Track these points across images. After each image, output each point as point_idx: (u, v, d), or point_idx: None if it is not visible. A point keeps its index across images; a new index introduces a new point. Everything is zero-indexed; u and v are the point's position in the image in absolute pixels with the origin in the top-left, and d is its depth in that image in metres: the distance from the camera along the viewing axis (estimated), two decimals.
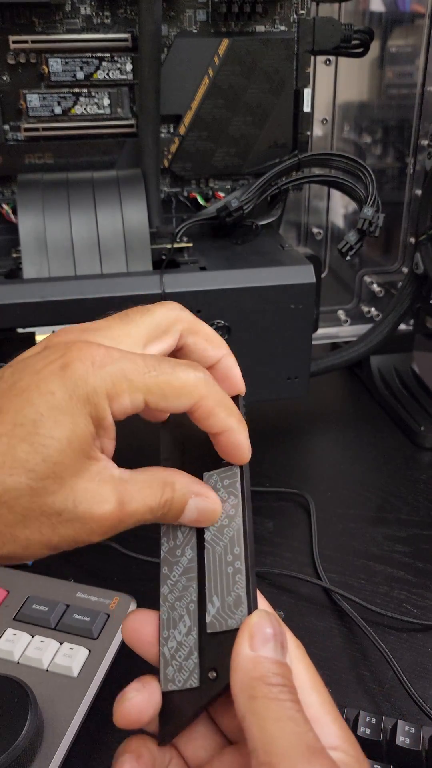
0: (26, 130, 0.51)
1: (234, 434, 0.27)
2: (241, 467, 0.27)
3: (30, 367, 0.24)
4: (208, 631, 0.25)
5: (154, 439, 0.30)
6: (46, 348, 0.26)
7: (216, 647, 0.25)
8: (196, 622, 0.26)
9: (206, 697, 0.25)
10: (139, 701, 0.25)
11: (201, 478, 0.28)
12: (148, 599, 0.42)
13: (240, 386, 0.29)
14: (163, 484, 0.26)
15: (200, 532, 0.27)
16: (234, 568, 0.25)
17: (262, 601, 0.26)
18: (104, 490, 0.24)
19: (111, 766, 0.25)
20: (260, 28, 0.51)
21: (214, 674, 0.25)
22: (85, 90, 0.51)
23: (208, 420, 0.26)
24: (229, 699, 0.24)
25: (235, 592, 0.25)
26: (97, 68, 0.50)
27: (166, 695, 0.26)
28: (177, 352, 0.28)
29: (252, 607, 0.25)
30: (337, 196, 0.66)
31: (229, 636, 0.24)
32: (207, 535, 0.27)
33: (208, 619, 0.25)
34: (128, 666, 0.39)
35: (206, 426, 0.26)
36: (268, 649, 0.23)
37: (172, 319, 0.28)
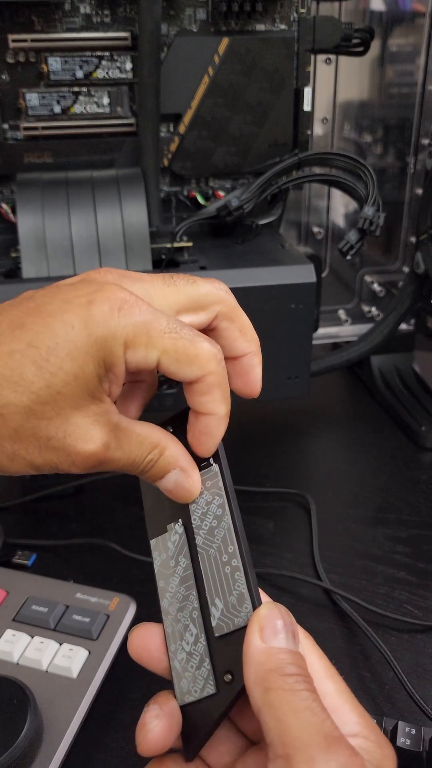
0: (25, 129, 0.51)
1: (215, 421, 0.27)
2: (220, 465, 0.27)
3: (61, 294, 0.25)
4: (216, 634, 0.25)
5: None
6: (83, 281, 0.26)
7: (227, 649, 0.25)
8: (203, 628, 0.25)
9: (226, 701, 0.24)
10: (161, 729, 0.25)
11: None
12: (148, 600, 0.42)
13: (256, 388, 0.29)
14: (152, 446, 0.26)
15: (191, 539, 0.27)
16: (231, 566, 0.25)
17: (263, 598, 0.26)
18: (95, 430, 0.25)
19: None
20: (260, 27, 0.51)
21: (230, 677, 0.24)
22: (84, 89, 0.51)
23: (203, 397, 0.26)
24: (247, 699, 0.24)
25: (237, 590, 0.25)
26: (97, 67, 0.50)
27: (184, 708, 0.25)
28: (207, 332, 0.28)
29: (256, 601, 0.24)
30: (337, 195, 0.66)
31: (239, 635, 0.24)
32: (198, 540, 0.27)
33: (214, 622, 0.25)
34: (128, 667, 0.39)
35: (196, 402, 0.27)
36: (279, 640, 0.23)
37: (214, 298, 0.27)
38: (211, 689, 0.25)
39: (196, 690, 0.25)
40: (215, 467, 0.27)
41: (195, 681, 0.25)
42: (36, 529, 0.50)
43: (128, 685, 0.39)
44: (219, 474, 0.27)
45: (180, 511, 0.28)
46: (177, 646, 0.26)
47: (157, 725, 0.25)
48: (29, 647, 0.38)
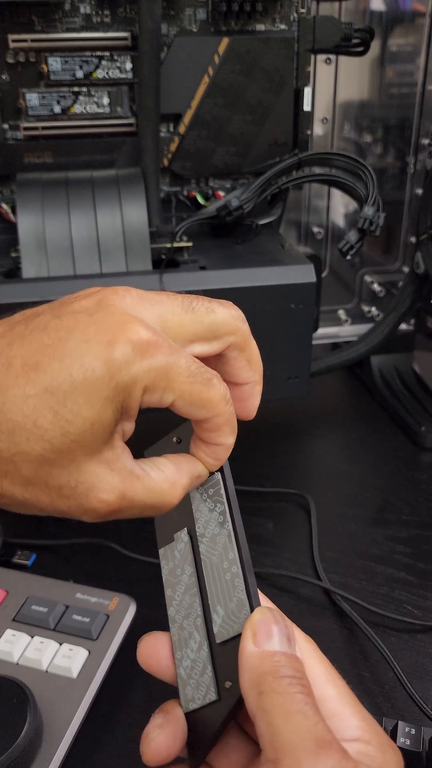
0: (25, 129, 0.51)
1: (222, 450, 0.27)
2: (222, 473, 0.27)
3: (79, 327, 0.23)
4: (217, 641, 0.25)
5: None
6: (100, 306, 0.24)
7: (227, 655, 0.25)
8: (205, 635, 0.26)
9: (226, 708, 0.24)
10: (165, 738, 0.24)
11: (188, 495, 0.28)
12: (148, 600, 0.42)
13: (252, 413, 0.29)
14: (173, 486, 0.26)
15: (196, 547, 0.27)
16: (231, 573, 0.25)
17: (265, 601, 0.26)
18: (111, 478, 0.24)
19: None
20: (260, 27, 0.51)
21: (230, 683, 0.24)
22: (84, 89, 0.51)
23: (211, 433, 0.26)
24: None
25: (236, 596, 0.25)
26: (97, 67, 0.50)
27: (189, 716, 0.25)
28: (215, 358, 0.28)
29: (254, 607, 0.25)
30: (337, 195, 0.66)
31: (237, 641, 0.24)
32: (202, 548, 0.27)
33: (215, 629, 0.25)
34: (128, 667, 0.39)
35: (205, 435, 0.26)
36: (273, 643, 0.23)
37: (230, 329, 0.27)
38: (213, 696, 0.25)
39: (200, 697, 0.25)
40: (217, 475, 0.28)
41: (198, 688, 0.25)
42: (36, 529, 0.50)
43: (128, 685, 0.39)
44: (221, 482, 0.27)
45: (185, 519, 0.28)
46: (182, 654, 0.26)
47: (161, 734, 0.24)
48: (29, 647, 0.38)
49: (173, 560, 0.28)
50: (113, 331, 0.23)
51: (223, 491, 0.27)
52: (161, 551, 0.28)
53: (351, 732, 0.22)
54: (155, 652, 0.27)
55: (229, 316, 0.26)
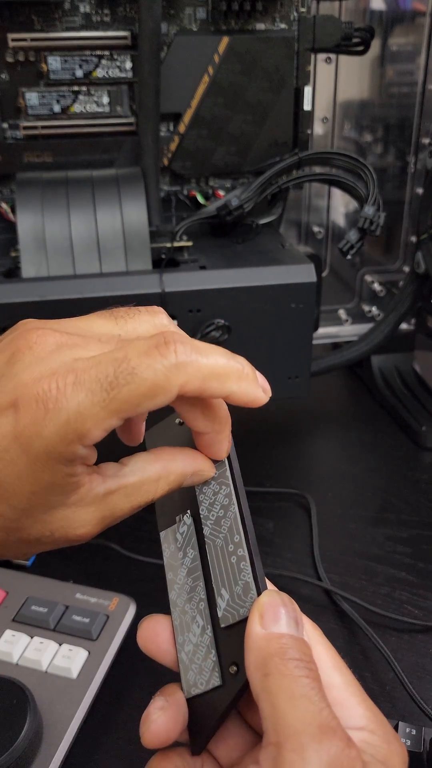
0: (25, 128, 0.51)
1: (217, 437, 0.26)
2: (228, 456, 0.27)
3: None
4: (222, 625, 0.25)
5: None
6: (6, 365, 0.23)
7: (232, 640, 0.24)
8: (209, 619, 0.25)
9: (231, 693, 0.24)
10: (166, 720, 0.24)
11: None
12: (148, 600, 0.42)
13: (220, 456, 0.27)
14: (156, 481, 0.25)
15: (199, 530, 0.27)
16: (237, 556, 0.25)
17: (270, 587, 0.25)
18: (83, 514, 0.23)
19: None
20: (260, 26, 0.51)
21: (235, 668, 0.24)
22: (84, 88, 0.51)
23: (196, 419, 0.25)
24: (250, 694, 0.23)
25: (243, 579, 0.25)
26: (97, 66, 0.50)
27: (191, 701, 0.25)
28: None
29: (261, 590, 0.24)
30: (337, 194, 0.66)
31: (243, 625, 0.24)
32: (206, 531, 0.26)
33: (220, 613, 0.25)
34: (128, 667, 0.39)
35: (192, 424, 0.25)
36: (281, 626, 0.22)
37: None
38: (216, 681, 0.24)
39: (203, 682, 0.25)
40: (223, 459, 0.27)
41: (201, 673, 0.25)
42: None
43: (128, 685, 0.39)
44: (227, 463, 0.27)
45: (188, 502, 0.27)
46: (184, 638, 0.26)
47: (161, 716, 0.24)
48: (29, 648, 0.38)
49: (175, 543, 0.28)
50: (12, 392, 0.22)
51: (228, 473, 0.27)
52: (162, 534, 0.28)
53: (356, 721, 0.22)
54: (155, 636, 0.26)
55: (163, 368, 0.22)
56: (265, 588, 0.24)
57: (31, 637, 0.38)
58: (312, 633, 0.24)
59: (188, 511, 0.27)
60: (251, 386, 0.25)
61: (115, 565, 0.47)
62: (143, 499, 0.25)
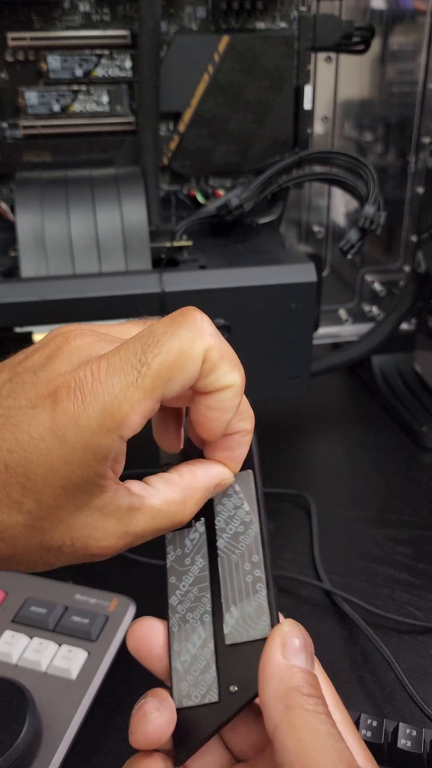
0: (24, 127, 0.51)
1: (239, 441, 0.25)
2: (254, 471, 0.27)
3: (24, 390, 0.22)
4: (227, 642, 0.24)
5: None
6: (48, 361, 0.23)
7: (237, 659, 0.24)
8: (212, 633, 0.25)
9: (229, 712, 0.24)
10: (161, 722, 0.24)
11: None
12: (147, 601, 0.41)
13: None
14: (183, 502, 0.24)
15: (211, 540, 0.26)
16: (253, 576, 0.25)
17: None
18: (106, 524, 0.23)
19: None
20: (260, 25, 0.51)
21: (236, 688, 0.24)
22: (83, 87, 0.51)
23: (206, 378, 0.23)
24: (243, 715, 0.23)
25: (256, 601, 0.24)
26: (96, 65, 0.50)
27: (180, 712, 0.24)
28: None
29: (275, 616, 0.24)
30: (338, 194, 0.65)
31: (252, 647, 0.23)
32: (220, 543, 0.26)
33: (226, 630, 0.24)
34: (127, 668, 0.38)
35: (202, 386, 0.23)
36: (300, 659, 0.22)
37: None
38: (213, 697, 0.24)
39: (197, 695, 0.24)
40: (249, 472, 0.27)
41: (197, 686, 0.24)
42: None
43: (127, 686, 0.38)
44: (252, 480, 0.27)
45: (204, 509, 0.27)
46: (182, 647, 0.25)
47: (158, 717, 0.24)
48: (28, 648, 0.38)
49: (183, 548, 0.27)
50: (52, 382, 0.22)
51: (254, 491, 0.26)
52: (169, 536, 0.27)
53: (358, 761, 0.22)
54: (149, 639, 0.26)
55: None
56: (278, 614, 0.24)
57: (31, 638, 0.38)
58: (316, 668, 0.24)
59: (202, 518, 0.27)
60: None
61: (115, 566, 0.47)
62: (171, 522, 0.24)
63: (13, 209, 0.51)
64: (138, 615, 0.40)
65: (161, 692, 0.25)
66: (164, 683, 0.26)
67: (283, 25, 0.51)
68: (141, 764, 0.24)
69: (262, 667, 0.22)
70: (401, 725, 0.33)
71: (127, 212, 0.48)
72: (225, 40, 0.49)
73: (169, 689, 0.25)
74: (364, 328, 0.67)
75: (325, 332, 0.69)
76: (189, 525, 0.27)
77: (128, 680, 0.39)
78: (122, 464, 0.24)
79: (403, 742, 0.32)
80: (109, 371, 0.21)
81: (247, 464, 0.27)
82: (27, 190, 0.48)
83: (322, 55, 0.60)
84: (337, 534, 0.50)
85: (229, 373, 0.24)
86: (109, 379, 0.21)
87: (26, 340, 0.44)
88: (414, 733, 0.33)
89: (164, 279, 0.45)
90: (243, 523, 0.26)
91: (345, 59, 0.61)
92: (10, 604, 0.41)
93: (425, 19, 0.59)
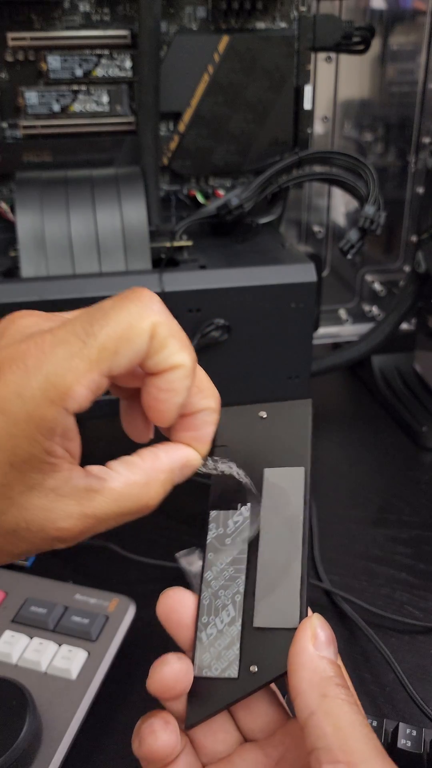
0: (24, 127, 0.51)
1: (204, 418, 0.25)
2: (306, 469, 0.27)
3: None
4: (255, 625, 0.25)
5: None
6: None
7: (261, 642, 0.25)
8: (241, 614, 0.26)
9: (245, 690, 0.25)
10: (179, 669, 0.25)
11: (261, 475, 0.28)
12: (148, 601, 0.41)
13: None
14: (146, 485, 0.24)
15: (254, 526, 0.27)
16: (290, 567, 0.26)
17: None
18: (63, 505, 0.22)
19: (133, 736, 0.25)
20: (260, 25, 0.51)
21: (256, 668, 0.25)
22: (83, 87, 0.51)
23: (154, 357, 0.23)
24: (256, 696, 0.25)
25: (290, 591, 0.25)
26: (96, 65, 0.50)
27: (197, 680, 0.26)
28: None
29: (304, 609, 0.25)
30: (338, 194, 0.65)
31: (278, 634, 0.25)
32: (264, 530, 0.27)
33: (255, 613, 0.25)
34: (127, 668, 0.38)
35: (152, 366, 0.23)
36: (330, 652, 0.23)
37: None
38: (233, 673, 0.25)
39: (218, 668, 0.25)
40: (302, 469, 0.27)
41: (219, 659, 0.25)
42: None
43: (127, 686, 0.38)
44: (303, 477, 0.27)
45: (251, 495, 0.28)
46: (209, 620, 0.26)
47: (176, 663, 0.25)
48: (28, 648, 0.38)
49: (225, 528, 0.28)
50: None
51: (302, 486, 0.27)
52: (213, 513, 0.28)
53: None
54: (180, 607, 0.26)
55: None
56: (307, 610, 0.25)
57: (31, 638, 0.38)
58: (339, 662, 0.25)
59: (248, 504, 0.28)
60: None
61: (115, 566, 0.47)
62: (135, 505, 0.24)
63: (13, 209, 0.51)
64: (138, 615, 0.40)
65: (179, 654, 0.26)
66: (184, 654, 0.26)
67: (283, 25, 0.51)
68: (155, 717, 0.25)
69: (295, 655, 0.23)
70: (401, 725, 0.33)
71: (127, 212, 0.48)
72: (225, 40, 0.49)
73: (191, 659, 0.26)
74: (364, 328, 0.67)
75: (325, 332, 0.69)
76: (234, 508, 0.28)
77: (128, 680, 0.39)
78: (76, 444, 0.23)
79: (403, 742, 0.32)
80: (54, 342, 0.21)
81: (301, 460, 0.28)
82: (27, 190, 0.48)
83: (322, 55, 0.60)
84: (337, 534, 0.50)
85: (179, 353, 0.23)
86: (53, 349, 0.21)
87: None
88: (414, 733, 0.33)
89: (164, 279, 0.45)
90: (288, 518, 0.27)
91: (345, 59, 0.61)
92: (10, 604, 0.41)
93: (425, 19, 0.59)
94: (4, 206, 0.52)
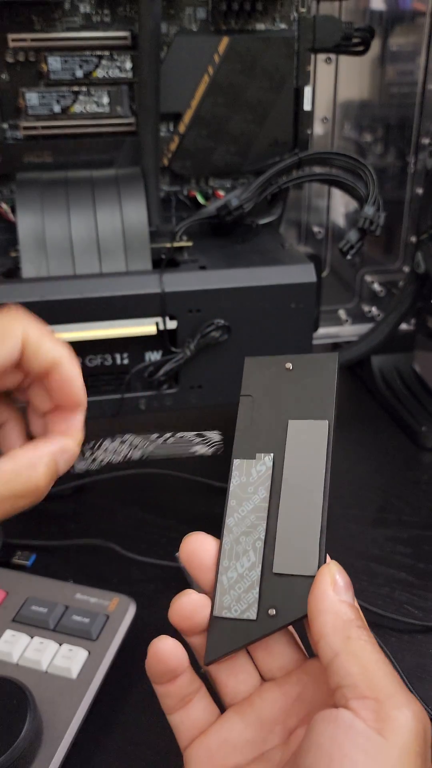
0: (25, 128, 0.51)
1: (67, 366, 0.28)
2: (329, 423, 0.28)
3: None
4: (274, 571, 0.26)
5: None
6: None
7: (280, 587, 0.26)
8: (261, 559, 0.27)
9: (263, 631, 0.26)
10: (197, 600, 0.27)
11: (286, 426, 0.28)
12: (148, 601, 0.41)
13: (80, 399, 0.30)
14: (29, 465, 0.27)
15: (277, 476, 0.28)
16: (310, 517, 0.27)
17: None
18: None
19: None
20: (260, 26, 0.51)
21: (274, 612, 0.26)
22: (84, 88, 0.51)
23: (38, 355, 0.27)
24: (274, 637, 0.27)
25: (309, 540, 0.26)
26: (97, 66, 0.50)
27: (217, 620, 0.27)
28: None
29: (322, 558, 0.26)
30: (337, 194, 0.66)
31: (297, 580, 0.26)
32: (285, 481, 0.28)
33: (275, 559, 0.26)
34: (128, 668, 0.39)
35: (37, 363, 0.27)
36: (348, 596, 0.25)
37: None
38: (251, 615, 0.26)
39: (237, 610, 0.26)
40: (325, 422, 0.28)
41: (239, 602, 0.26)
42: (36, 530, 0.50)
43: (128, 685, 0.39)
44: (326, 430, 0.28)
45: (275, 445, 0.28)
46: (230, 564, 0.27)
47: (195, 595, 0.27)
48: (29, 648, 0.38)
49: (248, 476, 0.28)
50: None
51: (326, 439, 0.28)
52: (236, 462, 0.29)
53: None
54: (202, 550, 0.28)
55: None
56: (325, 558, 0.26)
57: (31, 637, 0.38)
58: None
59: (272, 454, 0.28)
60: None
61: (115, 566, 0.47)
62: (24, 486, 0.27)
63: (13, 210, 0.51)
64: (138, 614, 0.40)
65: (199, 592, 0.27)
66: (207, 595, 0.28)
67: (282, 26, 0.51)
68: (170, 640, 0.27)
69: (316, 600, 0.25)
70: None
71: (127, 213, 0.48)
72: (225, 41, 0.50)
73: (212, 600, 0.27)
74: (363, 328, 0.68)
75: (325, 332, 0.69)
76: (255, 457, 0.29)
77: (129, 679, 0.39)
78: None
79: None
80: None
81: (324, 413, 0.28)
82: (27, 190, 0.48)
83: (321, 56, 0.60)
84: (337, 533, 0.50)
85: (58, 346, 0.28)
86: None
87: None
88: None
89: (164, 279, 0.45)
90: (310, 468, 0.27)
91: (344, 60, 0.61)
92: (10, 604, 0.41)
93: (425, 20, 0.59)
94: (5, 207, 0.52)
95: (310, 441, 0.28)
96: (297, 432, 0.28)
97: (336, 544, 0.49)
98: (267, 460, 0.28)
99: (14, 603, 0.41)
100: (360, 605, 0.42)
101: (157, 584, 0.45)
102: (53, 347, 0.27)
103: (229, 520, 0.28)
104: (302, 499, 0.27)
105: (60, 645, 0.38)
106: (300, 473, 0.28)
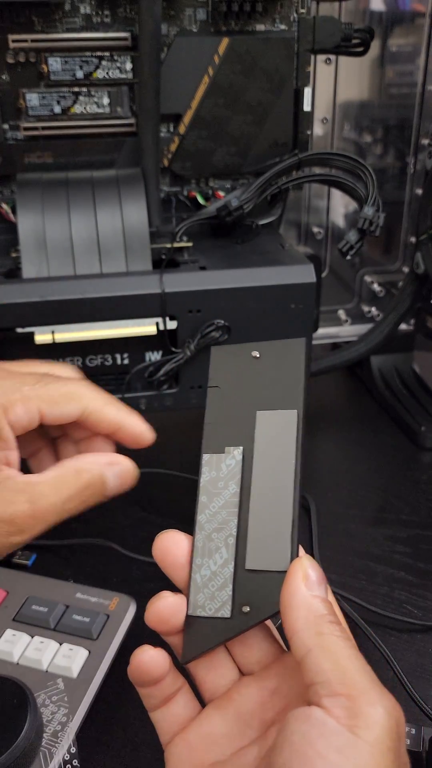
0: (25, 129, 0.51)
1: (131, 425, 0.31)
2: (299, 412, 0.28)
3: None
4: (247, 567, 0.26)
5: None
6: None
7: (253, 584, 0.26)
8: (233, 556, 0.26)
9: (237, 629, 0.26)
10: (173, 602, 0.27)
11: (254, 417, 0.28)
12: (148, 600, 0.41)
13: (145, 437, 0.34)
14: (75, 472, 0.29)
15: (247, 469, 0.27)
16: (281, 511, 0.26)
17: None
18: (8, 495, 0.27)
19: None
20: (260, 27, 0.51)
21: (248, 609, 0.26)
22: (84, 89, 0.51)
23: (102, 422, 0.31)
24: (251, 633, 0.26)
25: (281, 534, 0.26)
26: (97, 67, 0.50)
27: (192, 619, 0.27)
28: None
29: (294, 552, 0.25)
30: (337, 195, 0.66)
31: (269, 576, 0.25)
32: (255, 474, 0.27)
33: (247, 555, 0.26)
34: (128, 667, 0.39)
35: (102, 428, 0.31)
36: (321, 591, 0.25)
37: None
38: (226, 613, 0.26)
39: (211, 608, 0.26)
40: (294, 412, 0.27)
41: (212, 600, 0.26)
42: None
43: (128, 685, 0.38)
44: (295, 420, 0.27)
45: (243, 438, 0.28)
46: (203, 562, 0.27)
47: (171, 597, 0.27)
48: (29, 647, 0.38)
49: (218, 471, 0.28)
50: None
51: (295, 429, 0.27)
52: (206, 457, 0.28)
53: None
54: (174, 548, 0.28)
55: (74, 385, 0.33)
56: (298, 552, 0.26)
57: (32, 637, 0.38)
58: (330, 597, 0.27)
59: (241, 447, 0.28)
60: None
61: (115, 565, 0.47)
62: (70, 491, 0.30)
63: (14, 210, 0.51)
64: (139, 614, 0.41)
65: (175, 593, 0.27)
66: (182, 593, 0.28)
67: (282, 27, 0.51)
68: (152, 650, 0.27)
69: (288, 596, 0.24)
70: None
71: (127, 213, 0.48)
72: (225, 42, 0.50)
73: (186, 598, 0.27)
74: (363, 328, 0.68)
75: (325, 333, 0.69)
76: (225, 451, 0.28)
77: (129, 679, 0.39)
78: (15, 455, 0.30)
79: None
80: (9, 374, 0.31)
81: (293, 403, 0.28)
82: (28, 191, 0.48)
83: (321, 57, 0.60)
84: (336, 533, 0.50)
85: (121, 412, 0.33)
86: (10, 376, 0.30)
87: (28, 340, 0.44)
88: (413, 731, 0.33)
89: (165, 280, 0.45)
90: (280, 459, 0.27)
91: (344, 61, 0.61)
92: (10, 603, 0.41)
93: (424, 21, 0.59)
94: (6, 207, 0.52)
95: (279, 432, 0.27)
96: (265, 423, 0.28)
97: (335, 543, 0.49)
98: (236, 453, 0.28)
99: (15, 602, 0.41)
100: (359, 604, 0.43)
101: (158, 583, 0.45)
102: (116, 413, 0.32)
103: (201, 517, 0.27)
104: (272, 493, 0.26)
105: (60, 644, 0.38)
106: (269, 466, 0.27)
